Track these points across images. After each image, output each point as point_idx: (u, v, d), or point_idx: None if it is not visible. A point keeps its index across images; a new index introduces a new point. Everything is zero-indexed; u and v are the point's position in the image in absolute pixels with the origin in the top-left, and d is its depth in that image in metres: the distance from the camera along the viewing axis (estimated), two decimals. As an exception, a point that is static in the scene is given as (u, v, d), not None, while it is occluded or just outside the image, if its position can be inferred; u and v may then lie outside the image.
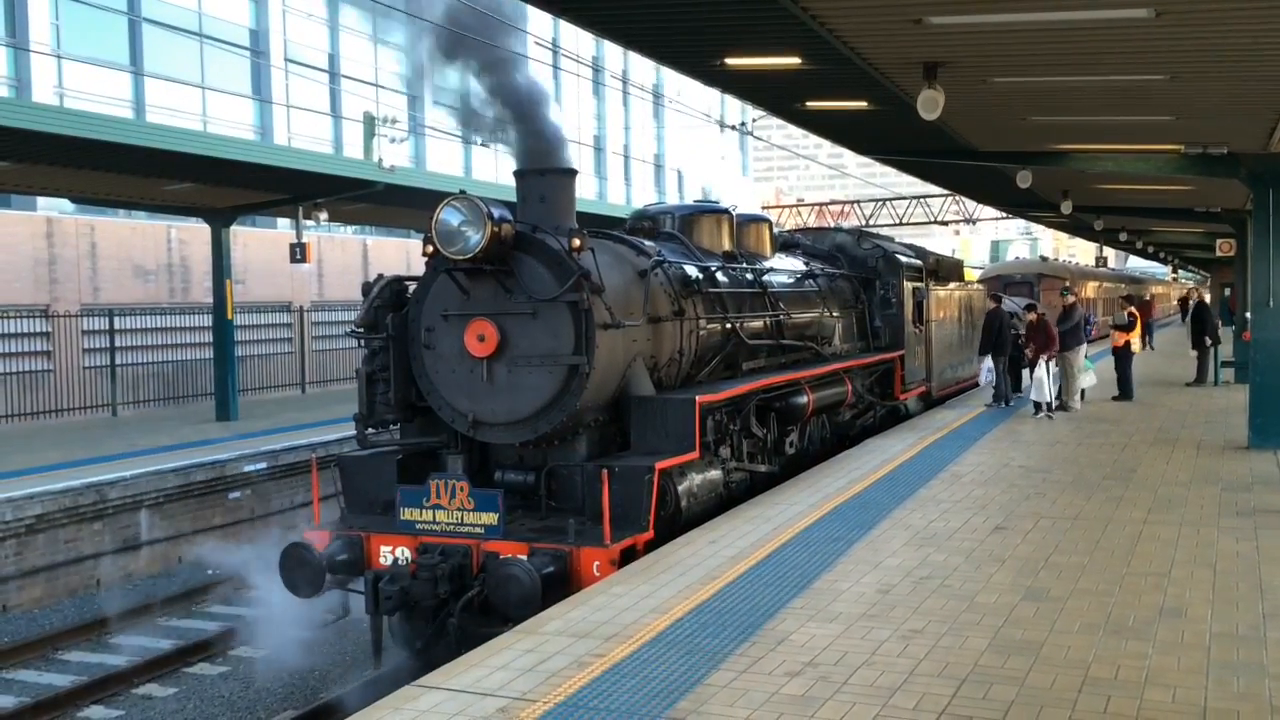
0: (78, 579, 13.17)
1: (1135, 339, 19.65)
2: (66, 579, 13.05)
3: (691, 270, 10.97)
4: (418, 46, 9.78)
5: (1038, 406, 16.11)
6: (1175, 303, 58.09)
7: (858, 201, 48.08)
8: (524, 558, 8.13)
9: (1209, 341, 21.08)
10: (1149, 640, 6.18)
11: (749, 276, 12.27)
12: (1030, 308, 17.08)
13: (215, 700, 9.93)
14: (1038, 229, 67.61)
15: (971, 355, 19.91)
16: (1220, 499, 10.20)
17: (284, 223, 25.80)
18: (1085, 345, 17.25)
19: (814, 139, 18.53)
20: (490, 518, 8.50)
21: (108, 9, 24.44)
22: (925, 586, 7.31)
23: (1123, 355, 18.90)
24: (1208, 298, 27.00)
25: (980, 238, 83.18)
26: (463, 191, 8.88)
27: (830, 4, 7.57)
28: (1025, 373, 18.29)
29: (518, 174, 9.92)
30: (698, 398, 9.47)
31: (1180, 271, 67.71)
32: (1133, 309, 20.56)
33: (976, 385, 20.08)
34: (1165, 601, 6.94)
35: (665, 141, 51.23)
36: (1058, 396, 16.56)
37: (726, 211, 12.84)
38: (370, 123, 27.38)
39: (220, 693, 10.10)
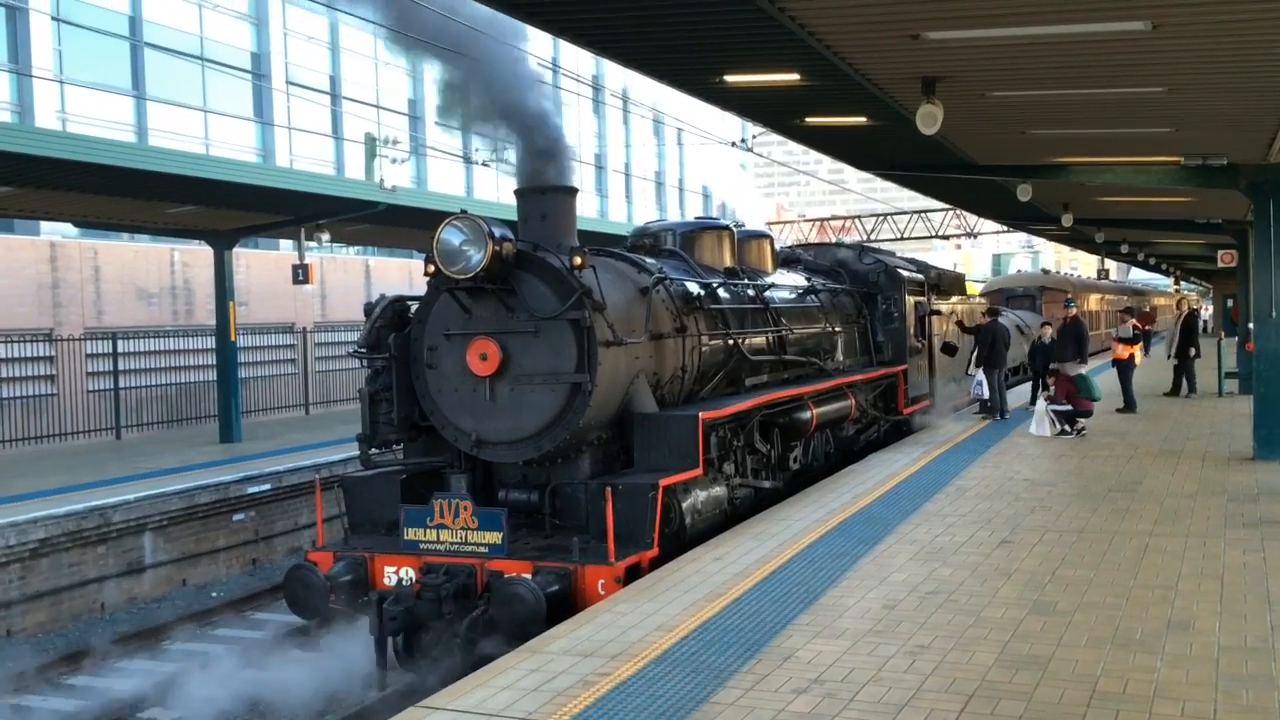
0: (82, 603, 13.14)
1: (1139, 351, 19.63)
2: (71, 603, 13.02)
3: (693, 287, 10.98)
4: (420, 66, 9.82)
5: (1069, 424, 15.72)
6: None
7: (859, 216, 48.18)
8: (528, 576, 8.11)
9: (1193, 353, 21.10)
10: (1157, 653, 6.15)
11: (751, 292, 12.28)
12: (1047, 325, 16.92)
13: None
14: (1039, 242, 67.71)
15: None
16: (1226, 510, 10.16)
17: (286, 244, 25.86)
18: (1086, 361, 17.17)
19: (814, 155, 18.58)
20: (494, 537, 8.49)
21: (110, 34, 24.59)
22: (931, 602, 7.28)
23: (1125, 368, 18.86)
24: (1207, 310, 26.91)
25: (982, 251, 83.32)
26: (464, 211, 8.91)
27: (828, 20, 7.61)
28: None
29: (519, 193, 9.94)
30: (701, 414, 9.45)
31: (1182, 283, 67.69)
32: (1136, 321, 20.54)
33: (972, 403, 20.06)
34: (1173, 614, 6.91)
35: (666, 159, 51.40)
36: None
37: (728, 228, 12.86)
38: (371, 144, 27.48)
39: (226, 716, 10.05)
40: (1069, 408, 15.55)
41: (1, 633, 12.26)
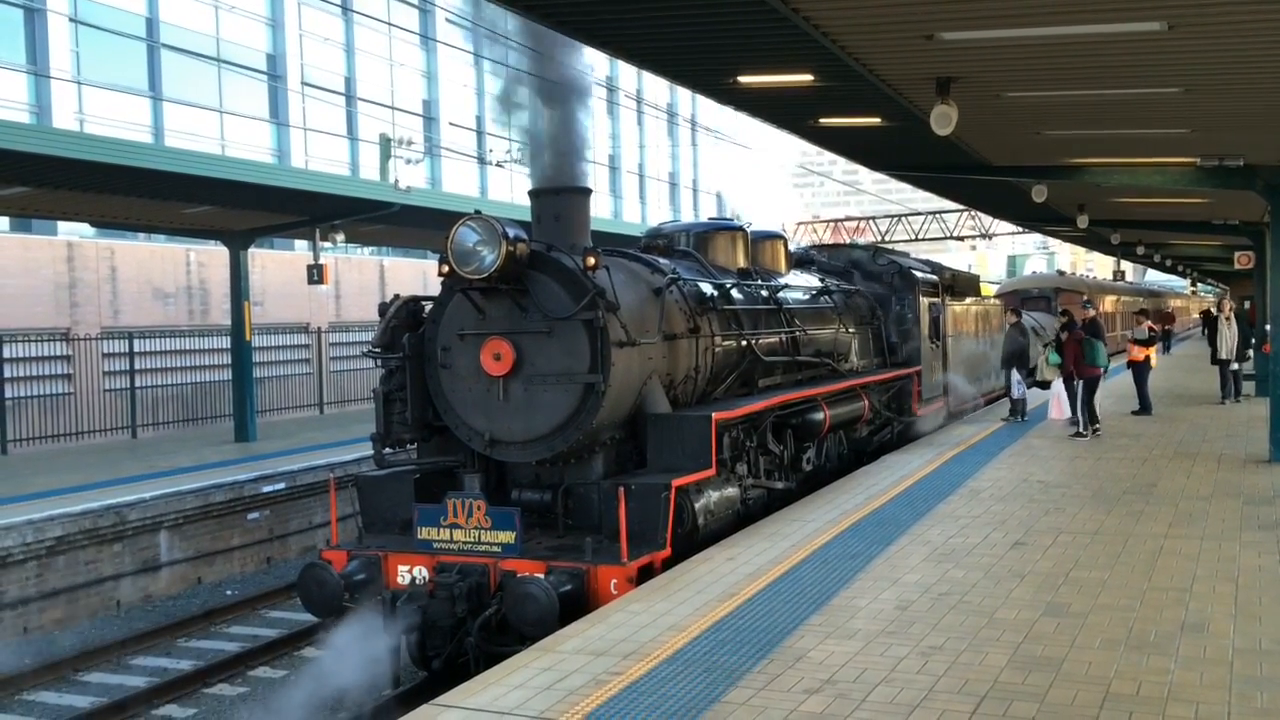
0: (98, 600, 13.23)
1: (1154, 353, 19.49)
2: (87, 600, 13.10)
3: (706, 287, 10.98)
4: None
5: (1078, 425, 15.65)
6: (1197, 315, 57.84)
7: (873, 218, 48.04)
8: (541, 576, 8.13)
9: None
10: (1171, 656, 6.13)
11: (764, 293, 12.27)
12: (1066, 325, 16.68)
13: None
14: (1054, 243, 67.40)
15: (989, 370, 19.87)
16: (1242, 513, 10.11)
17: (301, 244, 25.98)
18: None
19: (828, 156, 18.54)
20: (507, 536, 8.51)
21: (127, 35, 24.73)
22: (944, 603, 7.27)
23: (1140, 370, 18.75)
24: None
25: (997, 253, 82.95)
26: (478, 211, 8.93)
27: (842, 21, 7.60)
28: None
29: (533, 193, 9.96)
30: (714, 415, 9.46)
31: (1199, 285, 67.35)
32: (1151, 323, 20.38)
33: (992, 402, 20.05)
34: (1187, 616, 6.88)
35: (680, 160, 51.42)
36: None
37: (741, 229, 12.86)
38: (386, 144, 27.57)
39: (239, 714, 10.11)
40: (1079, 383, 15.44)
41: (18, 629, 12.35)
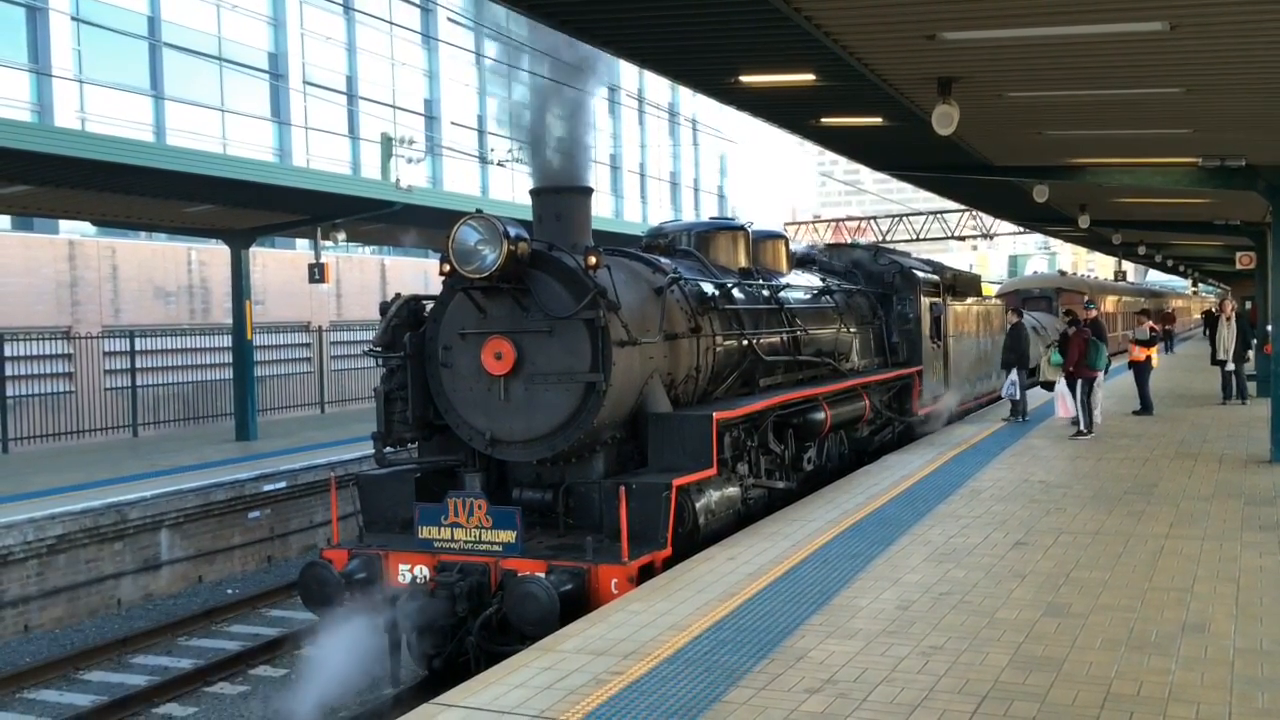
0: (99, 599, 13.23)
1: (1155, 354, 19.47)
2: (88, 599, 13.11)
3: (708, 287, 10.98)
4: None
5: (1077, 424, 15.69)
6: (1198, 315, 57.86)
7: (874, 217, 48.04)
8: (542, 575, 8.12)
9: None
10: (1172, 656, 6.13)
11: (765, 293, 12.27)
12: (1072, 322, 16.61)
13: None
14: (1056, 243, 67.38)
15: (990, 370, 19.87)
16: (1243, 513, 10.11)
17: (302, 243, 25.99)
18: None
19: (829, 155, 18.52)
20: (508, 535, 8.51)
21: (128, 34, 24.74)
22: (945, 603, 7.27)
23: (1142, 370, 18.74)
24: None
25: (998, 253, 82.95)
26: (479, 210, 8.93)
27: (844, 21, 7.60)
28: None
29: (534, 192, 9.96)
30: (715, 414, 9.45)
31: (1200, 285, 67.34)
32: (1153, 324, 20.36)
33: (993, 401, 20.06)
34: (1188, 617, 6.88)
35: (681, 159, 51.42)
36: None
37: (742, 228, 12.86)
38: (387, 143, 27.57)
39: (240, 712, 10.12)
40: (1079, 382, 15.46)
41: (19, 628, 12.36)
